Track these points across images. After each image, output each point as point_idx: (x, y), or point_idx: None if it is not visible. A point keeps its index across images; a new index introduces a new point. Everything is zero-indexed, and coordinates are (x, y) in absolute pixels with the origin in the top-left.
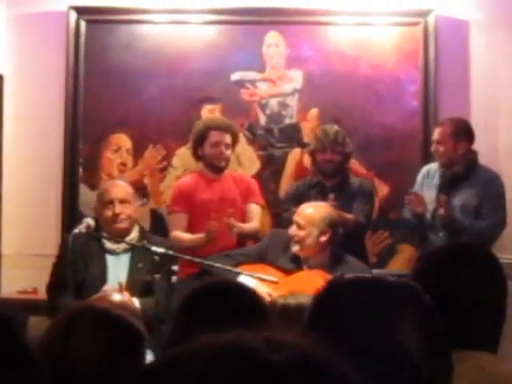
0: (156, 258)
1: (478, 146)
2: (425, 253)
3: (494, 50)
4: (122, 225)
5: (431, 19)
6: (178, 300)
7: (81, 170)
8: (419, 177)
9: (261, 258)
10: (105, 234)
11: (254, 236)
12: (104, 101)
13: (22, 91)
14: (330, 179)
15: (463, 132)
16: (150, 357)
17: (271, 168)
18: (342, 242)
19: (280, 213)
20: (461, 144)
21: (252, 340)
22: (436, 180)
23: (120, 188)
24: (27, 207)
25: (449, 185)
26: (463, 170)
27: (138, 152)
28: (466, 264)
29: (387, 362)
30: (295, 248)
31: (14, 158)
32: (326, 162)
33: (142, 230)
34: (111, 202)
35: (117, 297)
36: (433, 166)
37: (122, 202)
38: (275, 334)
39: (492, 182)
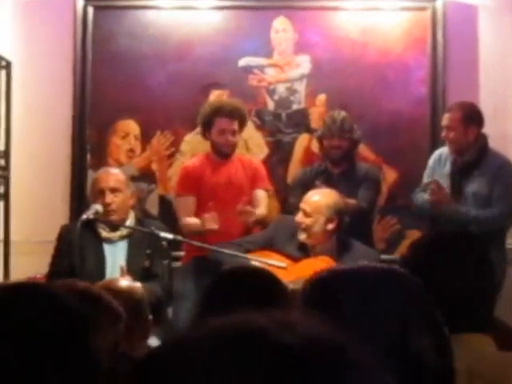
0: (164, 243)
1: (486, 131)
2: (411, 243)
3: (502, 36)
4: (112, 217)
5: (439, 4)
6: (181, 284)
7: (89, 156)
8: (430, 161)
9: (268, 245)
10: (101, 225)
11: (261, 222)
12: (111, 87)
13: (30, 78)
14: (337, 166)
15: (473, 117)
16: (155, 341)
17: (279, 154)
18: (348, 228)
19: (287, 198)
20: (471, 129)
21: (263, 320)
22: (447, 167)
23: (111, 177)
24: (35, 194)
25: (460, 173)
26: (474, 157)
27: (145, 138)
28: (449, 250)
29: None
30: (302, 236)
31: (22, 145)
32: (333, 148)
33: (137, 216)
34: (102, 192)
35: (123, 282)
36: (444, 151)
37: (113, 190)
38: (288, 316)
39: (503, 169)
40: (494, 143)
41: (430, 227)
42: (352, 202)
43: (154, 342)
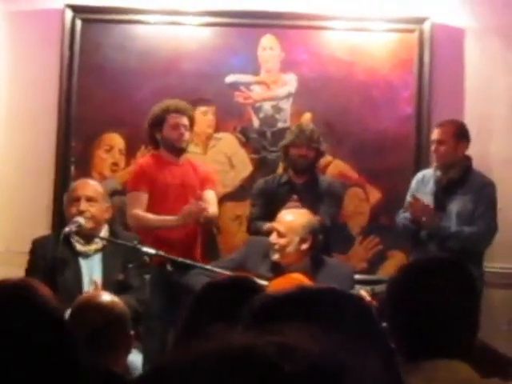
0: (146, 258)
1: (471, 152)
2: (400, 266)
3: (488, 58)
4: (86, 225)
5: (427, 26)
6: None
7: (73, 168)
8: (413, 183)
9: (239, 268)
10: (75, 238)
11: (213, 222)
12: (97, 100)
13: (15, 88)
14: (300, 177)
15: (464, 133)
16: (136, 357)
17: (264, 171)
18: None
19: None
20: (461, 144)
21: (264, 346)
22: (431, 186)
23: (89, 186)
24: (18, 204)
25: (444, 191)
26: (459, 175)
27: (130, 152)
28: (438, 276)
29: None
30: (276, 256)
31: (5, 155)
32: (300, 157)
33: (111, 229)
34: (78, 199)
35: (105, 297)
36: (427, 172)
37: (89, 200)
38: (287, 339)
39: (486, 189)
40: (477, 163)
41: (412, 247)
42: (316, 218)
43: (135, 356)
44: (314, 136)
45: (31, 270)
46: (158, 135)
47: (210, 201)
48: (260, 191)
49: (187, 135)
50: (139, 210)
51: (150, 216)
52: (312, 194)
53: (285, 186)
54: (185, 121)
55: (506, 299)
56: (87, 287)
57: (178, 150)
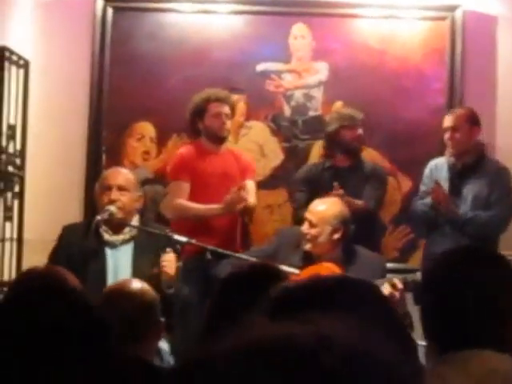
0: (178, 246)
1: (503, 142)
2: (434, 255)
3: None
4: (117, 214)
5: (458, 14)
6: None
7: (104, 157)
8: (426, 171)
9: (271, 259)
10: (104, 227)
11: (252, 212)
12: (129, 89)
13: (47, 78)
14: (346, 160)
15: (475, 118)
16: (165, 345)
17: (295, 160)
18: (356, 230)
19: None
20: (474, 130)
21: (303, 337)
22: (444, 173)
23: (120, 175)
24: (51, 193)
25: (459, 176)
26: (473, 161)
27: (161, 141)
28: (473, 265)
29: None
30: (308, 246)
31: (38, 145)
32: (354, 139)
33: (142, 218)
34: (109, 188)
35: (135, 284)
36: (439, 160)
37: (121, 188)
38: (324, 327)
39: (501, 174)
40: (510, 153)
41: (429, 232)
42: (360, 202)
43: (164, 345)
44: (357, 119)
45: (54, 255)
46: (199, 124)
47: (250, 191)
48: (304, 178)
49: (229, 124)
50: (182, 200)
51: (194, 205)
52: (357, 177)
53: (329, 170)
54: (226, 109)
55: None
56: (112, 278)
57: (219, 139)
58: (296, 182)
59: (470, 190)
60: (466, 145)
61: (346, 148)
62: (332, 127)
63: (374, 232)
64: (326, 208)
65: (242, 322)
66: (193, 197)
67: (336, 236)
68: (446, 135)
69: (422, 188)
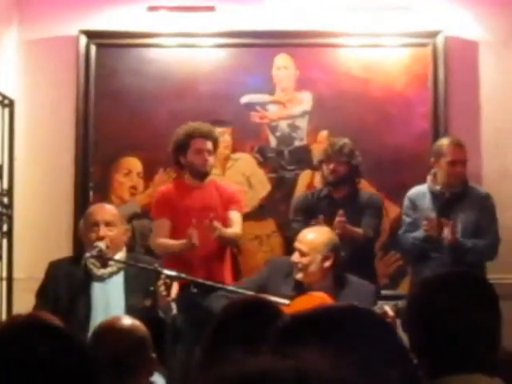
0: (167, 281)
1: (488, 166)
2: (420, 280)
3: (503, 71)
4: (107, 250)
5: (440, 40)
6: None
7: (91, 193)
8: (406, 202)
9: (261, 289)
10: (91, 262)
11: (234, 242)
12: (114, 124)
13: (33, 115)
14: (338, 191)
15: None
16: (158, 379)
17: (282, 190)
18: (351, 258)
19: (289, 225)
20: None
21: (281, 371)
22: (428, 202)
23: (106, 210)
24: (39, 231)
25: (448, 206)
26: (461, 189)
27: (148, 175)
28: (460, 291)
29: None
30: (299, 275)
31: (25, 181)
32: (330, 172)
33: (129, 251)
34: (96, 224)
35: (126, 320)
36: (419, 188)
37: (108, 224)
38: (304, 363)
39: (487, 200)
40: (495, 178)
41: (416, 262)
42: (359, 231)
43: (157, 379)
44: (343, 150)
45: (41, 292)
46: (182, 159)
47: (234, 222)
48: (300, 207)
49: (211, 160)
50: (161, 238)
51: (169, 242)
52: (353, 207)
53: (325, 200)
54: (209, 145)
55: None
56: (101, 311)
57: (202, 175)
58: (291, 211)
59: (458, 218)
60: (465, 176)
61: (325, 181)
62: (318, 159)
63: (372, 259)
64: (315, 236)
65: (230, 357)
66: (175, 233)
67: (327, 264)
68: (456, 168)
69: (407, 220)
